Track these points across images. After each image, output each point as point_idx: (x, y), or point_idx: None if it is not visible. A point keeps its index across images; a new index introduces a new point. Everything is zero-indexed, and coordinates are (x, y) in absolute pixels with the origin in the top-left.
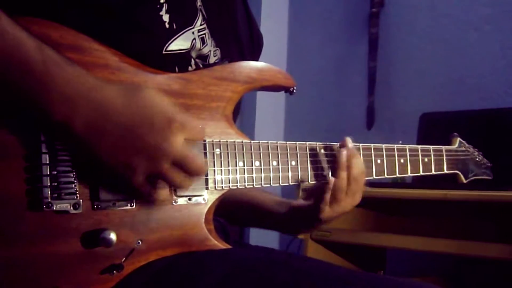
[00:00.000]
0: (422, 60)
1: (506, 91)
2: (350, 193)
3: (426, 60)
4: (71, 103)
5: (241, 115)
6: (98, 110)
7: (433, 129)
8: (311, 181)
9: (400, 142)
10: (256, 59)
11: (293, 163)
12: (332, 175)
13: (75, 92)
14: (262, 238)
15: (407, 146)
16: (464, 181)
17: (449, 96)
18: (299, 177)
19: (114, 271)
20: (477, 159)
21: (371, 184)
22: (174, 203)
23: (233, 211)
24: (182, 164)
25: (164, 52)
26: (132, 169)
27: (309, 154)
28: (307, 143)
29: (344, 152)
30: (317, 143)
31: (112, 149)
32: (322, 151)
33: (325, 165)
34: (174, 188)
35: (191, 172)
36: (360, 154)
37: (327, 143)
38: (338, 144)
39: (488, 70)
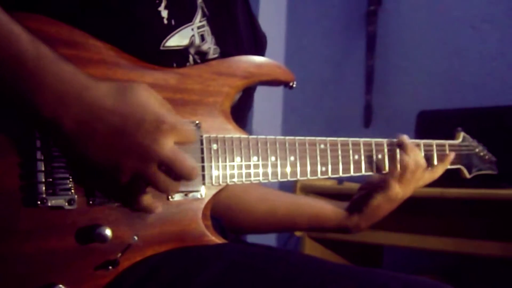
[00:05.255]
0: (420, 58)
1: (503, 89)
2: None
3: (424, 58)
4: (62, 100)
5: None
6: (89, 109)
7: (431, 126)
8: (310, 177)
9: None
10: None
11: (292, 158)
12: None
13: (66, 90)
14: (259, 236)
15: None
16: (468, 176)
17: (446, 94)
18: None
19: (110, 267)
20: (481, 153)
21: None
22: (170, 199)
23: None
24: (170, 167)
25: (161, 48)
26: (119, 169)
27: (309, 149)
28: (307, 138)
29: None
30: (317, 138)
31: (100, 149)
32: (322, 146)
33: (323, 160)
34: (160, 192)
35: (178, 176)
36: (361, 149)
37: (327, 138)
38: (338, 139)
39: (486, 68)
